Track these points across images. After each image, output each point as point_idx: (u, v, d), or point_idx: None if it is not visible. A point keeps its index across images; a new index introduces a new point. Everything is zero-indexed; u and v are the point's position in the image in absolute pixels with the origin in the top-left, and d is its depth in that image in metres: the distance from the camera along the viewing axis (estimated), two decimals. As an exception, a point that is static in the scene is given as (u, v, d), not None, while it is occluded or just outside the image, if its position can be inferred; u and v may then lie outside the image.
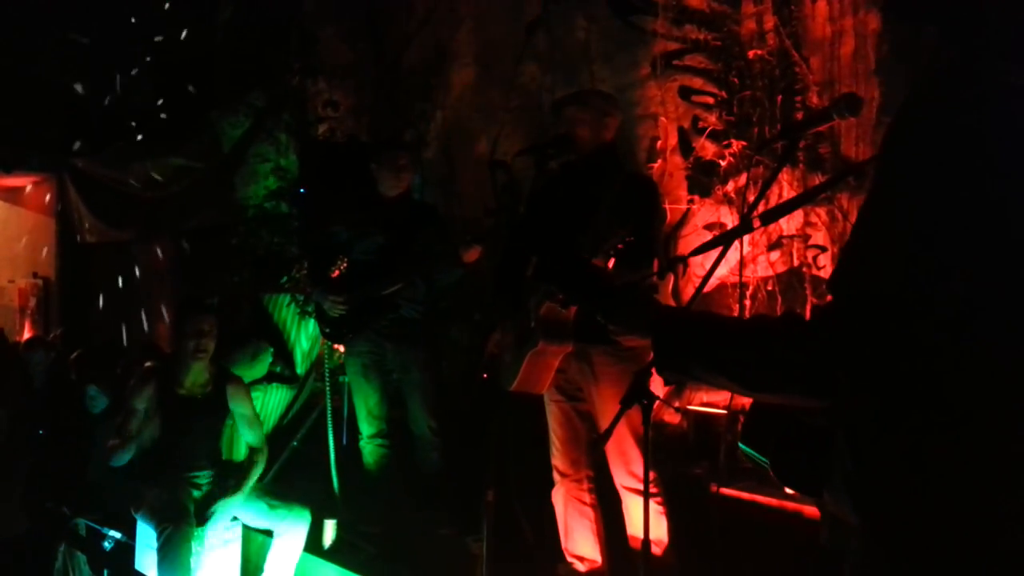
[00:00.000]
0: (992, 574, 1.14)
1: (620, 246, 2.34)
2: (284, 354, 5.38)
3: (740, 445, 1.49)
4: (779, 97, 3.83)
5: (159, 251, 9.37)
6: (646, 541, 2.27)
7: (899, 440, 1.17)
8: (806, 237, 3.74)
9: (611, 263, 2.64)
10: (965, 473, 1.14)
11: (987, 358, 1.15)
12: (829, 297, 1.26)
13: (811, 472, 1.30)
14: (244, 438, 4.03)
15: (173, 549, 3.49)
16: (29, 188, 11.22)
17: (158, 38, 8.33)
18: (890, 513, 1.18)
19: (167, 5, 8.02)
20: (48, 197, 10.86)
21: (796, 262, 3.78)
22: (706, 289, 3.91)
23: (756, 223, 1.94)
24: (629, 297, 1.52)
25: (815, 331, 1.20)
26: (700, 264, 3.95)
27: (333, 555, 3.84)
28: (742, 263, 3.67)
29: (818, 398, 1.23)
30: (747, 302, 3.86)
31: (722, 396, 3.75)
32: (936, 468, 1.15)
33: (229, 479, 3.87)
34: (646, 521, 2.27)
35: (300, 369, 5.45)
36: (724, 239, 2.03)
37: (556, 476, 3.16)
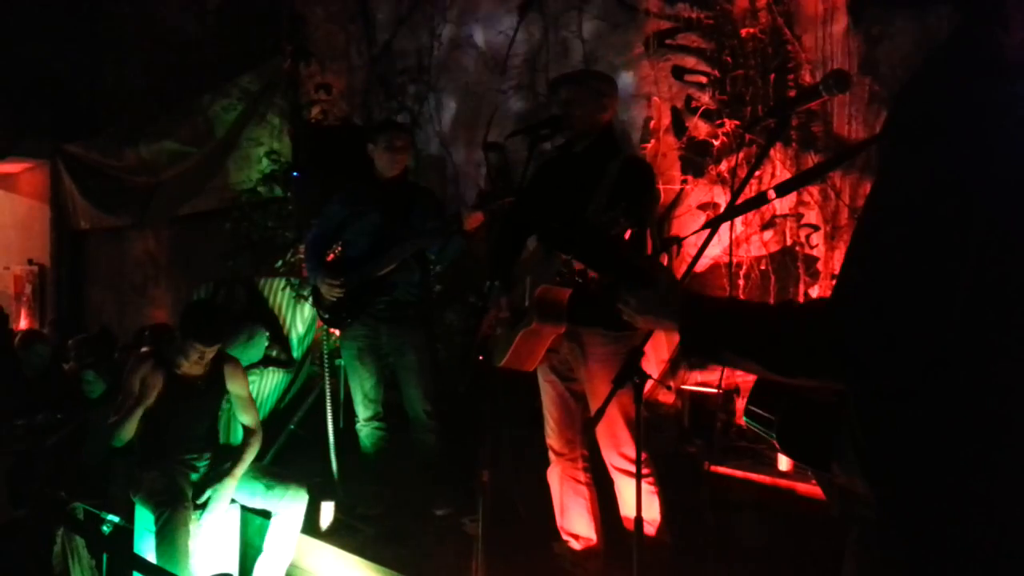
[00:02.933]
0: (1003, 540, 1.16)
1: (625, 236, 2.34)
2: (280, 338, 5.38)
3: (745, 419, 1.50)
4: (772, 76, 3.82)
5: (153, 236, 9.36)
6: (638, 519, 2.29)
7: (910, 410, 1.19)
8: (799, 216, 3.75)
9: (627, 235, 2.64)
10: (976, 441, 1.17)
11: (999, 329, 1.17)
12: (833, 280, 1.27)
13: (818, 445, 1.32)
14: (239, 420, 4.03)
15: (171, 532, 3.50)
16: (22, 174, 11.18)
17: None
18: (902, 482, 1.20)
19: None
20: (42, 183, 10.83)
21: (789, 241, 3.78)
22: (699, 269, 3.96)
23: (771, 196, 1.93)
24: (655, 276, 1.51)
25: (839, 314, 1.21)
26: (694, 244, 3.95)
27: (331, 537, 3.86)
28: (732, 243, 3.67)
29: (850, 383, 1.24)
30: (740, 282, 3.86)
31: (716, 376, 3.77)
32: (947, 437, 1.17)
33: (226, 462, 3.88)
34: (638, 498, 2.29)
35: (296, 353, 5.45)
36: (732, 214, 2.01)
37: (552, 455, 3.18)
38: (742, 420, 1.52)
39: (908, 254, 1.16)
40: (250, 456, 3.87)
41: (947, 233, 1.15)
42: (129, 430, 3.69)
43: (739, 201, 1.98)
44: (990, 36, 1.24)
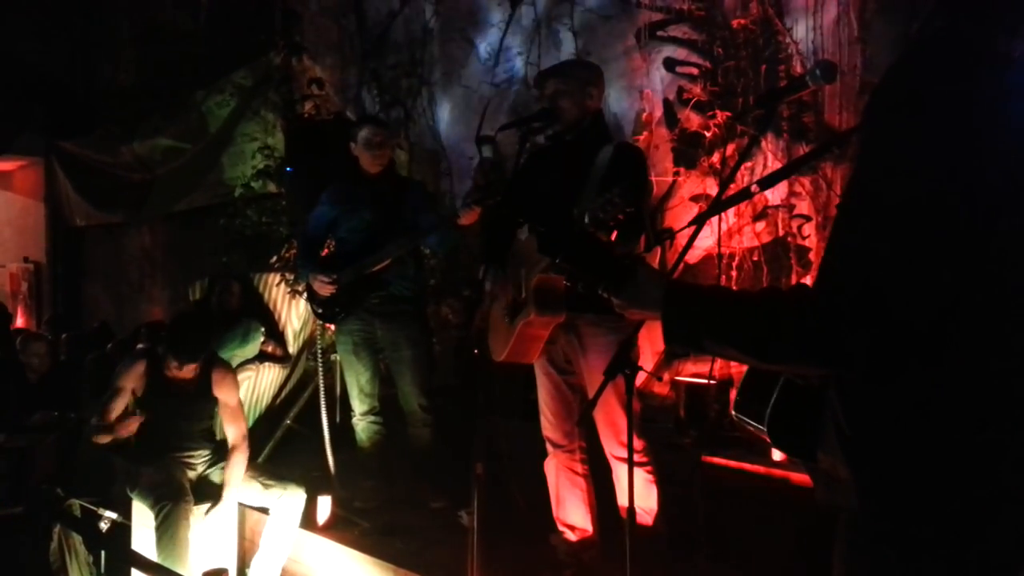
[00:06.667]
0: (978, 521, 1.18)
1: (621, 217, 2.34)
2: (275, 333, 5.38)
3: (735, 413, 1.51)
4: (763, 67, 3.83)
5: (149, 233, 9.36)
6: (631, 508, 2.30)
7: (889, 396, 1.20)
8: (791, 207, 3.76)
9: (613, 236, 2.64)
10: (955, 426, 1.18)
11: (982, 313, 1.17)
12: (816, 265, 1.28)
13: (805, 436, 1.33)
14: (225, 431, 3.95)
15: (172, 526, 3.51)
16: (17, 172, 11.16)
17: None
18: (882, 467, 1.21)
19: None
20: (36, 181, 10.81)
21: (781, 232, 3.79)
22: (693, 261, 3.96)
23: (755, 189, 1.94)
24: (634, 271, 1.52)
25: (822, 302, 1.22)
26: (687, 236, 3.95)
27: (328, 531, 3.87)
28: (720, 235, 3.68)
29: (830, 369, 1.25)
30: (733, 273, 3.87)
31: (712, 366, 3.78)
32: (926, 422, 1.19)
33: (222, 460, 3.88)
34: (631, 487, 2.30)
35: (292, 348, 5.46)
36: (718, 208, 2.02)
37: (549, 447, 3.18)
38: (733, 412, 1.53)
39: (886, 239, 1.17)
40: (237, 477, 3.79)
41: (926, 216, 1.16)
42: (107, 437, 3.67)
43: (729, 192, 1.99)
44: (983, 34, 1.25)
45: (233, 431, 3.90)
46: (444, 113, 5.70)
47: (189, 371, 3.74)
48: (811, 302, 1.23)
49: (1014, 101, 1.21)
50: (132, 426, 3.69)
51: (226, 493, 3.77)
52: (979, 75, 1.21)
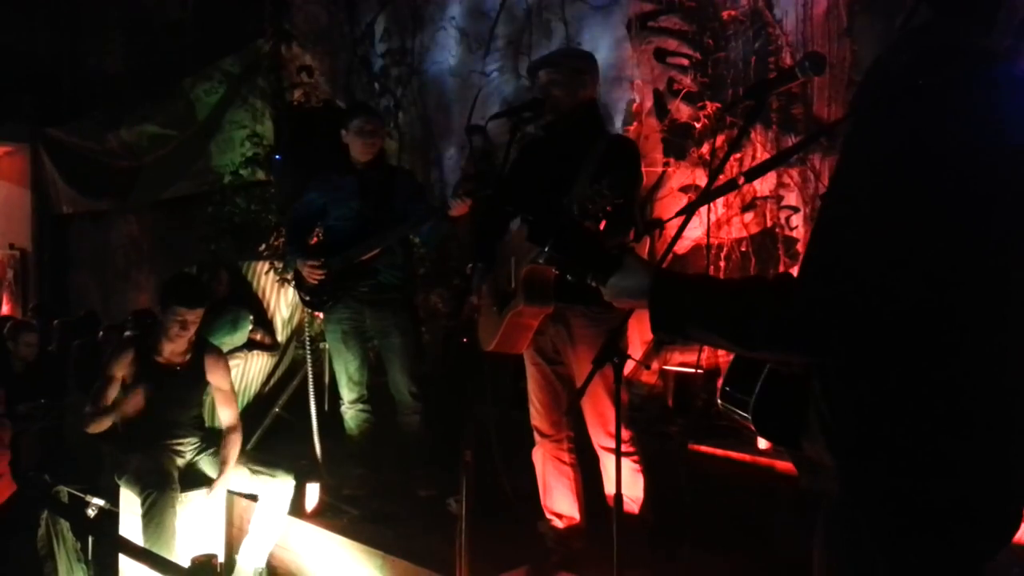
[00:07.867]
0: (955, 511, 1.20)
1: (609, 208, 2.35)
2: (264, 321, 5.38)
3: (720, 401, 1.52)
4: (753, 58, 3.84)
5: (136, 220, 9.32)
6: (618, 496, 2.32)
7: (870, 385, 1.22)
8: (779, 198, 3.78)
9: (601, 225, 2.65)
10: (932, 415, 1.19)
11: (958, 310, 1.19)
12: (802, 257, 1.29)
13: (789, 424, 1.35)
14: (219, 415, 3.98)
15: (158, 514, 3.51)
16: (3, 158, 11.08)
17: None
18: (863, 455, 1.23)
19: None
20: (23, 167, 10.74)
21: (769, 223, 3.81)
22: (681, 251, 3.98)
23: (740, 181, 1.95)
24: (622, 260, 1.53)
25: (804, 292, 1.23)
26: (675, 226, 3.97)
27: (316, 518, 3.88)
28: (709, 226, 3.70)
29: (812, 357, 1.26)
30: (721, 263, 3.90)
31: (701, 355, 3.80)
32: (907, 409, 1.20)
33: (212, 447, 3.89)
34: (618, 475, 2.32)
35: (281, 336, 5.46)
36: (706, 199, 2.04)
37: (537, 437, 3.20)
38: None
39: (867, 229, 1.18)
40: (233, 457, 3.81)
41: (906, 208, 1.17)
42: (103, 424, 3.67)
43: (718, 183, 2.00)
44: (965, 29, 1.26)
45: (228, 413, 3.93)
46: (434, 102, 5.68)
47: (192, 325, 3.74)
48: (794, 291, 1.25)
49: (1000, 95, 1.22)
50: (138, 400, 3.68)
51: (225, 471, 3.78)
52: (960, 69, 1.22)
